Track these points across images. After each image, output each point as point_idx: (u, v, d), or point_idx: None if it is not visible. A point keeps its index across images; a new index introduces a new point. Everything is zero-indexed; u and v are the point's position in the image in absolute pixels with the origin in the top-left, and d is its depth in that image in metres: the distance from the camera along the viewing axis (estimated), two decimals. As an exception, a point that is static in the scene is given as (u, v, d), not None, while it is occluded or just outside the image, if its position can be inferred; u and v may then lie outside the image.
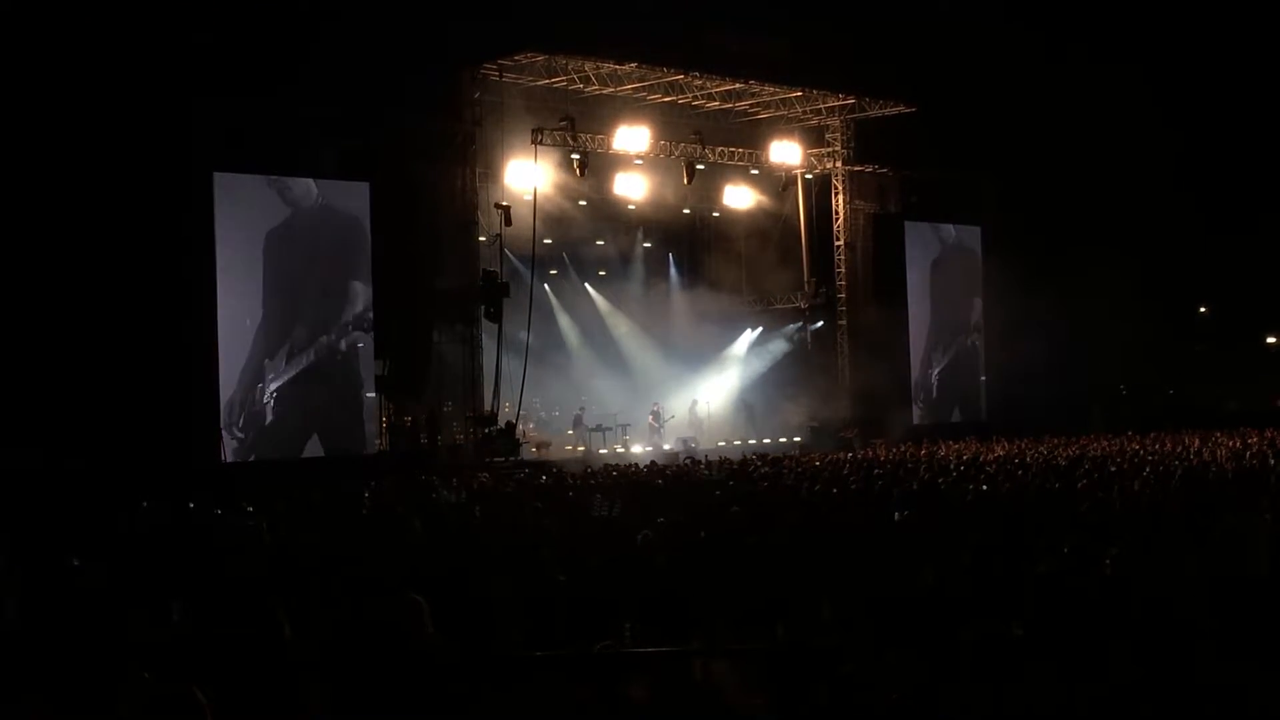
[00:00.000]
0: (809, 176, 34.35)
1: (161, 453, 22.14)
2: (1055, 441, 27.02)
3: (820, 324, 35.13)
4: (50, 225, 22.39)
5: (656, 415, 32.15)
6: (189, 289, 23.90)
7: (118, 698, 5.27)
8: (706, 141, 31.60)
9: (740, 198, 35.08)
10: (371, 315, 26.33)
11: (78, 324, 22.39)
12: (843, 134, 34.14)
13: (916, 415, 35.28)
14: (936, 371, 36.27)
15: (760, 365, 35.84)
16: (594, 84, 29.38)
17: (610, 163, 31.38)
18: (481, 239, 28.57)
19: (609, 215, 33.50)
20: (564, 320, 33.84)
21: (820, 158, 34.27)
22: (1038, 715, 5.89)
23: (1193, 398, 39.40)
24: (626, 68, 28.96)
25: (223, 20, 23.69)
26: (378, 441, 26.46)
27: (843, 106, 33.12)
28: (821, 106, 32.96)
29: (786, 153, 32.91)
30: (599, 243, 34.42)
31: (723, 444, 30.54)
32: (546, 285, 32.97)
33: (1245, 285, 40.50)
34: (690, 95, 30.90)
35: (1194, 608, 7.32)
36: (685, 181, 31.55)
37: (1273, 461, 18.41)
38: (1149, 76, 35.99)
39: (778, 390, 34.43)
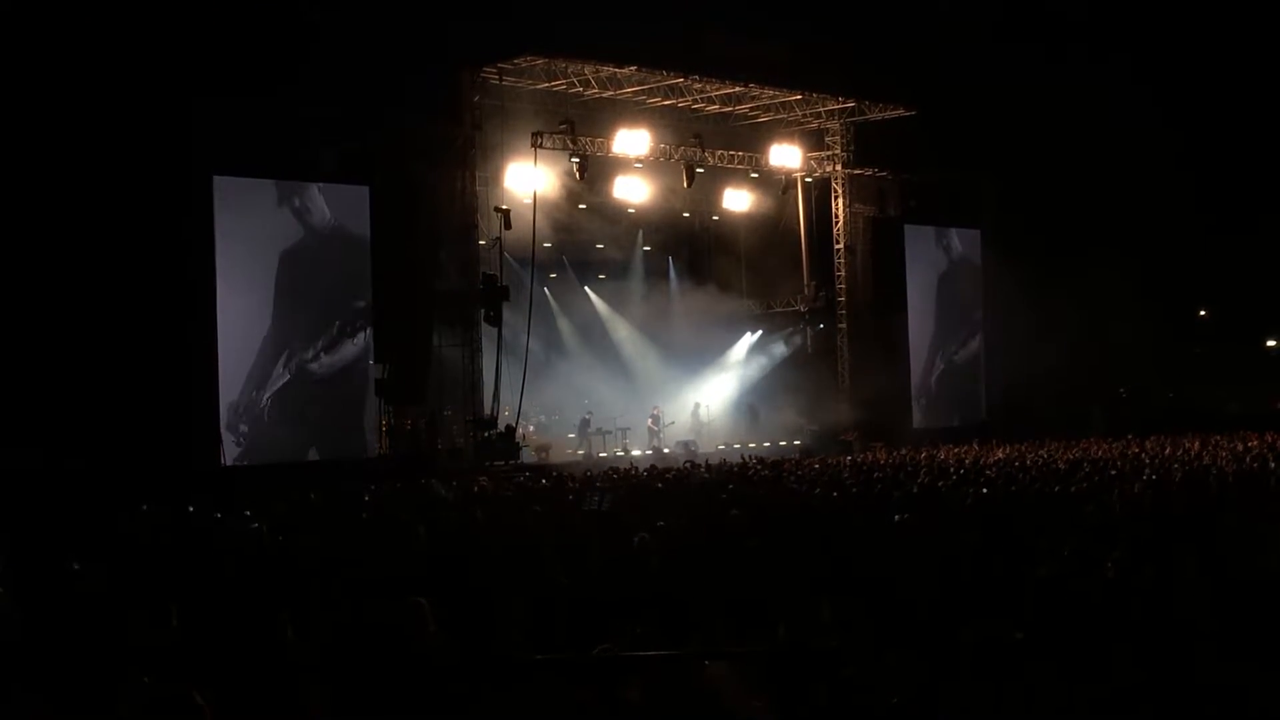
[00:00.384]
0: (809, 180, 34.40)
1: (161, 455, 22.15)
2: (1056, 444, 27.02)
3: (820, 327, 35.14)
4: (50, 226, 22.42)
5: (656, 419, 32.15)
6: (189, 291, 23.92)
7: (117, 700, 5.27)
8: (706, 145, 31.60)
9: (740, 201, 35.07)
10: (371, 318, 26.34)
11: (78, 325, 22.40)
12: (842, 137, 34.15)
13: (917, 418, 35.27)
14: (936, 375, 36.26)
15: (760, 369, 35.84)
16: (594, 87, 29.40)
17: (610, 166, 31.37)
18: (481, 242, 28.57)
19: (609, 218, 33.47)
20: (564, 324, 33.85)
21: (820, 161, 34.26)
22: (1038, 718, 5.89)
23: (1193, 400, 39.36)
24: (626, 71, 28.98)
25: (223, 20, 23.70)
26: (378, 445, 26.45)
27: (842, 109, 33.14)
28: (821, 110, 32.99)
29: (786, 156, 32.91)
30: (599, 246, 34.42)
31: (723, 447, 30.54)
32: (546, 288, 32.94)
33: (1245, 287, 40.49)
34: (690, 98, 30.94)
35: (1195, 610, 7.32)
36: (685, 185, 31.56)
37: (1273, 465, 18.37)
38: (1148, 77, 36.00)
39: (778, 394, 34.40)
